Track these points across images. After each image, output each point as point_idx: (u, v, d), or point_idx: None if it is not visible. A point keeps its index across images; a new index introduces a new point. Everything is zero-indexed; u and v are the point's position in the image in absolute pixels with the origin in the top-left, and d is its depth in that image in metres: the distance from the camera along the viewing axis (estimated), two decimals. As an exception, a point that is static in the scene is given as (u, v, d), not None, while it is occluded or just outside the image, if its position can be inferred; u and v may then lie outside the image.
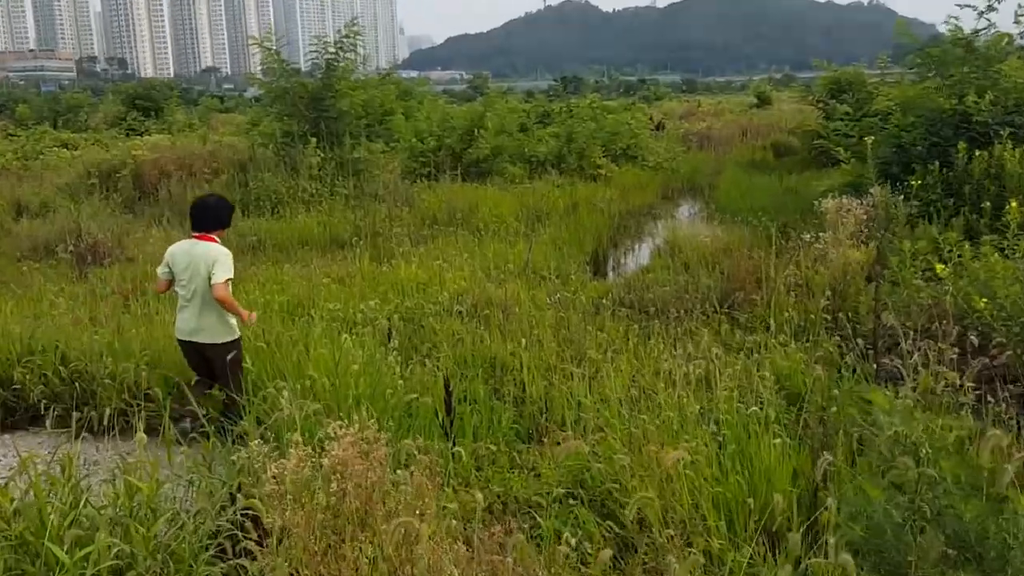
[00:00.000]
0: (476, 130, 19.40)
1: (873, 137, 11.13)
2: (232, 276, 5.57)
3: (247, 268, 10.45)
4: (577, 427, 5.02)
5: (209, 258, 5.54)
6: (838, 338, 6.57)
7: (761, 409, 4.50)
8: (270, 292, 8.70)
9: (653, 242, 13.22)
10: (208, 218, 5.70)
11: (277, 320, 7.35)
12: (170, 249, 5.77)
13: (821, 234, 8.59)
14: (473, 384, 5.86)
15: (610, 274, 11.76)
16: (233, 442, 4.45)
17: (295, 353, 6.03)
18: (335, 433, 3.41)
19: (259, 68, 19.32)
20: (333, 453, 3.33)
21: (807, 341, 6.58)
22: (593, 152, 19.92)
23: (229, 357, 5.47)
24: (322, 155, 15.69)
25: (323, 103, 16.84)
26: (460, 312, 7.92)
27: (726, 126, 32.82)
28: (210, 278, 5.49)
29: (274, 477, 3.37)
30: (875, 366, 5.23)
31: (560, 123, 23.04)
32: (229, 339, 5.65)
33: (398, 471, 3.46)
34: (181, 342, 5.72)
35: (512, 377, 6.26)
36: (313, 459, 3.44)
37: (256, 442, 3.79)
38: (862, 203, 9.28)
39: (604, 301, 8.24)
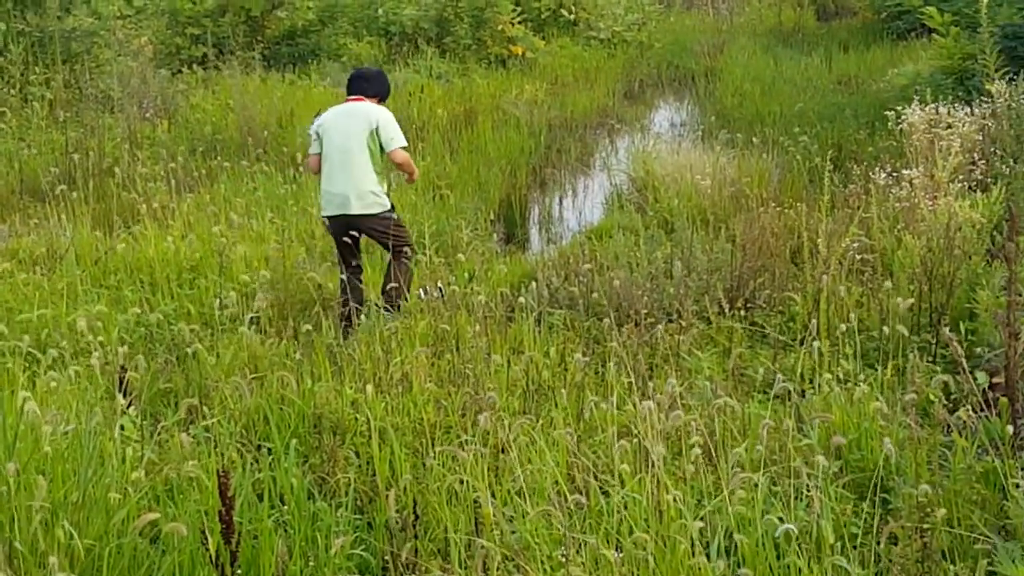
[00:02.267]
0: (288, -23, 19.00)
1: (991, -8, 11.20)
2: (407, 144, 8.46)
3: None
4: (472, 561, 4.77)
5: (372, 117, 8.31)
6: (941, 369, 6.51)
7: (808, 518, 4.39)
8: None
9: (608, 181, 13.12)
10: (369, 86, 8.60)
11: None
12: (319, 119, 8.64)
13: (906, 171, 8.52)
14: (280, 469, 5.63)
15: (533, 241, 11.70)
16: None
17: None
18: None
19: None
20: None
21: (884, 371, 6.49)
22: (501, 15, 19.78)
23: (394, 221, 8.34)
24: (4, 26, 15.06)
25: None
26: (255, 321, 7.69)
27: (731, -35, 33.12)
28: (371, 139, 8.24)
29: None
30: (1012, 428, 5.13)
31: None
32: (385, 211, 8.34)
33: None
34: (330, 219, 8.39)
35: (354, 451, 6.17)
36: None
37: None
38: (973, 111, 9.23)
39: (523, 296, 8.03)
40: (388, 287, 8.27)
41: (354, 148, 8.23)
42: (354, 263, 8.48)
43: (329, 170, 8.36)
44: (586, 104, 17.24)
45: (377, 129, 8.26)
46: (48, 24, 15.53)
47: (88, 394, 6.31)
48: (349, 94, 8.63)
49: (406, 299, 8.13)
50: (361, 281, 8.45)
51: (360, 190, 8.21)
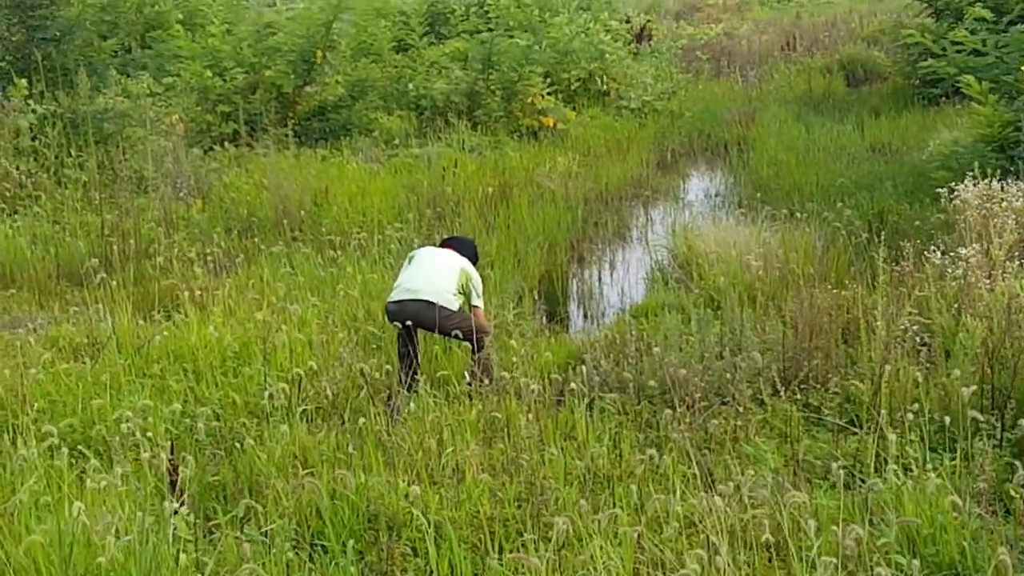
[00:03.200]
0: (319, 53, 19.07)
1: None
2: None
3: None
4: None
5: (466, 265, 8.98)
6: (1008, 453, 6.48)
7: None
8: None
9: (647, 255, 13.03)
10: (462, 248, 9.31)
11: None
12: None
13: (961, 249, 8.43)
14: (339, 569, 5.68)
15: (576, 319, 11.62)
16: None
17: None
18: None
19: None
20: None
21: (950, 456, 6.38)
22: (531, 87, 19.80)
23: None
24: (39, 108, 15.16)
25: (35, 11, 16.33)
26: (304, 412, 7.63)
27: (757, 30, 33.16)
28: (461, 276, 8.73)
29: None
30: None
31: (468, 35, 22.87)
32: (455, 311, 8.55)
33: None
34: (396, 304, 8.56)
35: (411, 547, 6.10)
36: None
37: None
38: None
39: (572, 379, 7.93)
40: (472, 371, 8.41)
41: (445, 266, 8.79)
42: (412, 347, 8.59)
43: (409, 269, 8.92)
44: (619, 175, 17.16)
45: (469, 276, 8.81)
46: (79, 104, 15.60)
47: (137, 493, 6.24)
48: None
49: (491, 379, 8.15)
50: (416, 346, 8.63)
51: (437, 288, 8.55)
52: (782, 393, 7.61)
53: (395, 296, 8.65)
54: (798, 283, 9.49)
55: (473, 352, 8.50)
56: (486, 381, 8.10)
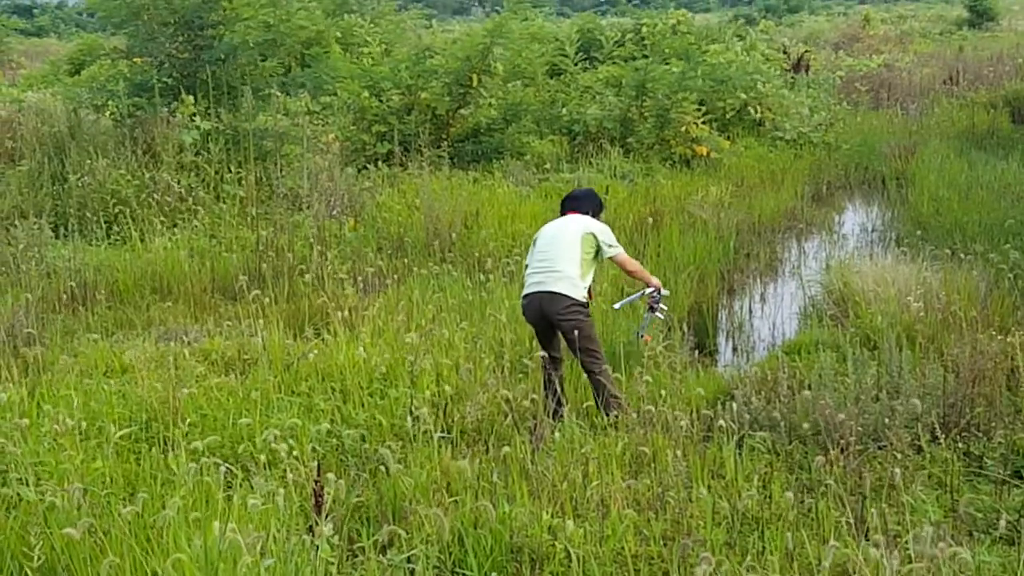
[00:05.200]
0: (474, 76, 19.19)
1: None
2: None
3: (54, 342, 10.20)
4: None
5: (589, 223, 8.77)
6: None
7: None
8: (96, 397, 8.37)
9: (800, 290, 12.80)
10: (580, 204, 9.11)
11: (108, 467, 7.03)
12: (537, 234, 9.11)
13: None
14: None
15: (725, 351, 11.51)
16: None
17: (129, 560, 5.65)
18: None
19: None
20: None
21: None
22: (684, 115, 19.66)
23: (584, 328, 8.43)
24: (202, 125, 15.56)
25: (203, 31, 16.72)
26: (445, 439, 7.58)
27: (918, 62, 32.60)
28: (584, 241, 8.58)
29: None
30: None
31: (623, 62, 22.80)
32: (580, 302, 8.46)
33: None
34: (527, 299, 8.64)
35: None
36: None
37: None
38: None
39: (720, 415, 7.77)
40: (601, 404, 8.33)
41: (566, 239, 8.63)
42: (554, 353, 8.66)
43: (534, 251, 8.88)
44: (773, 206, 16.94)
45: (595, 234, 8.66)
46: (240, 122, 15.92)
47: (283, 512, 6.25)
48: (563, 214, 9.16)
49: (622, 407, 8.14)
50: (560, 374, 8.65)
51: (563, 271, 8.48)
52: (941, 440, 7.35)
53: (526, 289, 8.72)
54: (960, 326, 9.22)
55: (585, 367, 8.48)
56: (613, 412, 8.07)
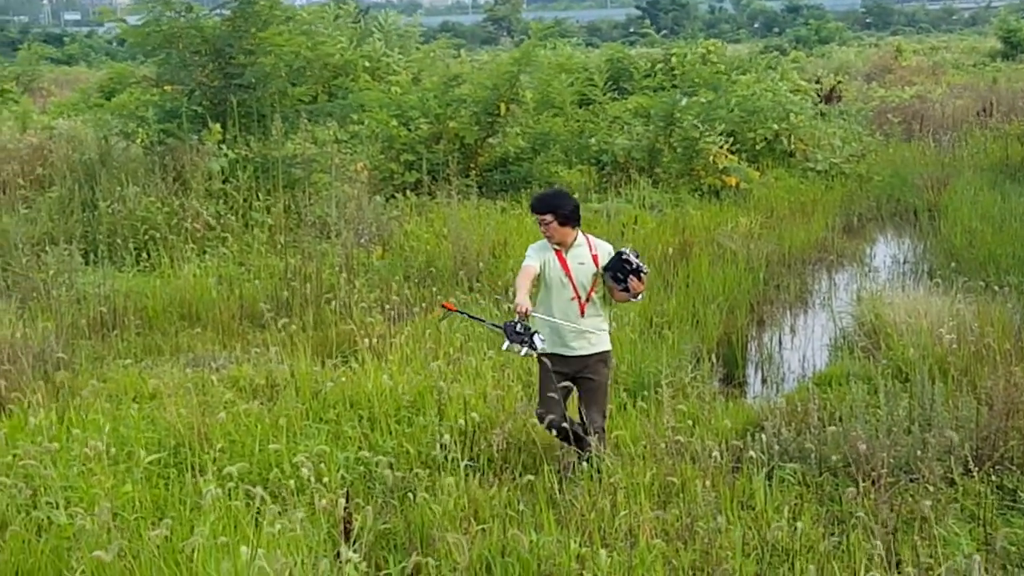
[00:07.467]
0: (503, 105, 19.29)
1: None
2: (534, 263, 7.96)
3: (83, 367, 10.27)
4: None
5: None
6: None
7: None
8: (125, 422, 8.44)
9: (831, 321, 12.76)
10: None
11: (138, 492, 7.11)
12: None
13: None
14: None
15: (754, 382, 11.46)
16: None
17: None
18: None
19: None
20: None
21: None
22: (713, 146, 19.69)
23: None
24: (231, 153, 15.66)
25: (232, 60, 16.85)
26: (472, 467, 7.65)
27: (951, 94, 32.48)
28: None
29: None
30: None
31: (652, 91, 22.88)
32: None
33: None
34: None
35: None
36: None
37: None
38: None
39: (750, 447, 7.79)
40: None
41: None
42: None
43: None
44: (803, 238, 16.91)
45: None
46: (270, 150, 16.02)
47: (311, 538, 6.30)
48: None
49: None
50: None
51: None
52: (975, 473, 7.33)
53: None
54: (994, 359, 9.21)
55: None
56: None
